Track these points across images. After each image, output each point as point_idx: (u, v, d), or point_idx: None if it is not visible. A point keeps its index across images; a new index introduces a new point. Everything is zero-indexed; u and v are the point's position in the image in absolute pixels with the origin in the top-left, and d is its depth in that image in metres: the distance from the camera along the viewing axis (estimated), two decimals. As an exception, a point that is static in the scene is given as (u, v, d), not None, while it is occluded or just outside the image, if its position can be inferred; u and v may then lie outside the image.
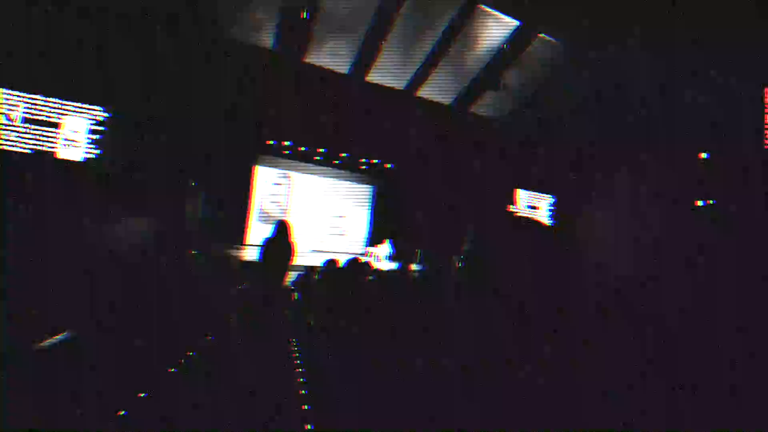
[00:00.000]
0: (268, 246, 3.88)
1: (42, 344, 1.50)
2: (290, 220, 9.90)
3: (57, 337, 1.77)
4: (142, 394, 1.91)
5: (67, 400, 1.51)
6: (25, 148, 6.73)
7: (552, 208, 12.02)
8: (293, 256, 4.02)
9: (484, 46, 8.74)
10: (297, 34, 8.06)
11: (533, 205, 11.80)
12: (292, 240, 4.08)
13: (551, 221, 11.66)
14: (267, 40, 8.16)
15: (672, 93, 8.48)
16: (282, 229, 3.90)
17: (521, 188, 11.64)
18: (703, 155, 8.52)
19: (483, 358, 0.65)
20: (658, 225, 9.17)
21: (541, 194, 11.90)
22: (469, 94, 9.87)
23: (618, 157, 10.28)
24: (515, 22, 8.34)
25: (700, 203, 8.48)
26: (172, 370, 2.56)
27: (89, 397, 1.57)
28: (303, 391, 2.32)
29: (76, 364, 1.67)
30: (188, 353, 2.90)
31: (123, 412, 1.57)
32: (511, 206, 11.42)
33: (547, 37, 8.58)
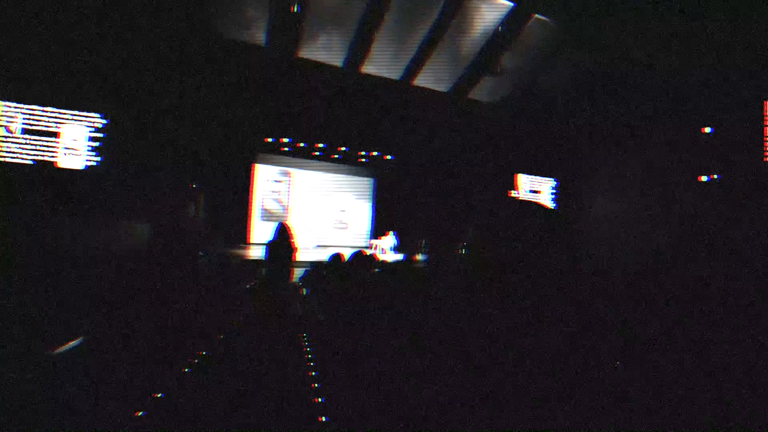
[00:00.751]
0: (271, 247, 4.11)
1: (58, 350, 1.54)
2: (289, 221, 10.01)
3: (71, 343, 1.81)
4: (159, 395, 1.95)
5: (85, 401, 1.55)
6: (26, 159, 6.76)
7: (554, 191, 11.96)
8: (295, 254, 4.27)
9: (480, 30, 8.62)
10: (289, 29, 7.98)
11: (535, 189, 11.75)
12: (292, 240, 4.32)
13: (554, 205, 11.62)
14: (259, 36, 8.09)
15: (672, 69, 8.35)
16: (282, 230, 4.13)
17: (522, 173, 11.59)
18: (707, 130, 8.42)
19: (488, 350, 0.65)
20: (661, 203, 9.11)
21: (543, 178, 11.84)
22: (466, 80, 9.77)
23: (619, 136, 10.18)
24: (510, 4, 8.21)
25: (704, 179, 8.40)
26: (186, 369, 2.60)
27: (107, 399, 1.60)
28: (316, 385, 2.35)
29: (91, 367, 1.71)
30: (200, 352, 2.94)
31: (141, 413, 1.61)
32: (512, 192, 11.38)
33: (543, 18, 8.45)
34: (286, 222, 4.28)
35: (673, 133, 8.91)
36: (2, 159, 6.60)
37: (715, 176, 8.27)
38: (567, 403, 0.59)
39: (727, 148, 8.04)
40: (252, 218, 12.17)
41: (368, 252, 4.41)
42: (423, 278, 3.05)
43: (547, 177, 11.90)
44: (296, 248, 4.32)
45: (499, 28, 8.54)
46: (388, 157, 12.89)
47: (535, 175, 11.75)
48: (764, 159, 7.40)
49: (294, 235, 4.31)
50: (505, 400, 0.59)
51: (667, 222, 8.88)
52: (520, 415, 0.58)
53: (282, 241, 4.12)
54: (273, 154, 12.21)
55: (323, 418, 1.66)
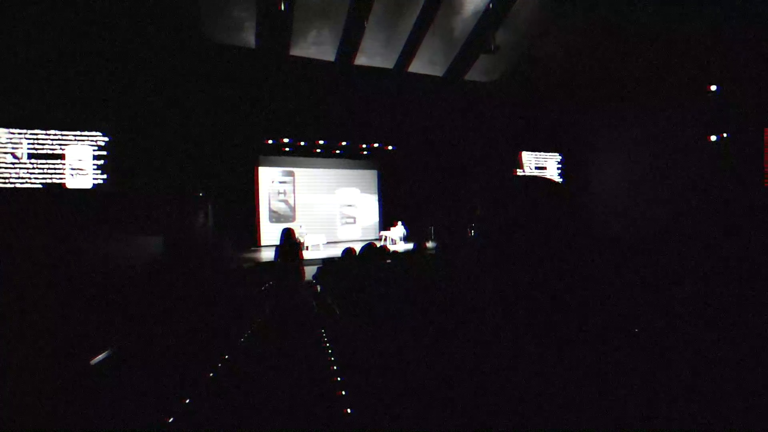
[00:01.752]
0: (280, 251, 4.49)
1: (92, 361, 1.59)
2: (295, 223, 10.25)
3: (101, 354, 1.85)
4: (187, 400, 1.99)
5: (119, 410, 1.59)
6: (35, 183, 6.88)
7: (560, 165, 11.81)
8: (301, 252, 4.74)
9: (470, 9, 8.45)
10: (278, 29, 7.92)
11: (540, 165, 11.61)
12: (298, 241, 4.81)
13: (561, 179, 11.49)
14: (250, 39, 8.05)
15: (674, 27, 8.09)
16: (288, 235, 4.55)
17: (526, 150, 11.45)
18: (713, 88, 8.18)
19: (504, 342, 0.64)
20: (668, 172, 8.93)
21: (547, 154, 11.69)
22: (461, 62, 9.62)
23: (623, 102, 9.95)
24: (499, -21, 8.03)
25: (713, 138, 8.20)
26: (211, 374, 2.66)
27: (138, 407, 1.65)
28: (338, 378, 2.38)
29: (121, 377, 1.75)
30: (223, 356, 3.00)
31: (171, 419, 1.65)
32: (517, 170, 11.27)
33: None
34: (290, 227, 4.69)
35: (679, 93, 8.68)
36: (13, 185, 6.72)
37: (725, 135, 8.07)
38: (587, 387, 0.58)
39: (736, 106, 7.81)
40: (260, 221, 12.26)
41: (378, 244, 4.45)
42: (433, 266, 3.05)
43: (552, 152, 11.74)
44: (305, 246, 4.52)
45: (490, 4, 8.36)
46: (390, 147, 12.83)
47: (539, 151, 11.60)
48: (765, 184, 7.30)
49: (300, 236, 4.56)
50: (528, 391, 0.58)
51: (677, 187, 8.70)
52: (545, 405, 0.57)
53: (289, 244, 4.47)
54: (275, 155, 12.24)
55: (348, 410, 1.68)
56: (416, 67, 9.47)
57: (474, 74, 10.00)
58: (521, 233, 0.63)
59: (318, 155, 12.74)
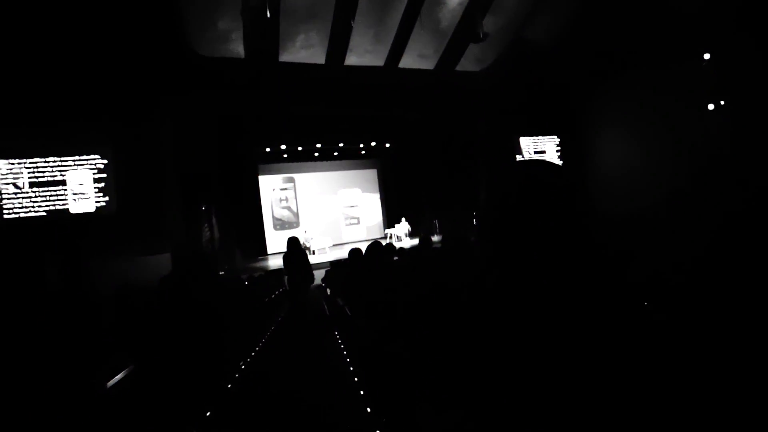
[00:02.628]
0: (288, 259, 4.64)
1: (108, 383, 1.60)
2: (298, 231, 10.34)
3: (117, 376, 1.87)
4: (207, 413, 2.01)
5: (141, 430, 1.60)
6: (39, 211, 6.92)
7: (559, 147, 11.74)
8: (308, 259, 4.87)
9: (456, -2, 8.37)
10: (266, 36, 7.89)
11: (539, 149, 11.55)
12: (304, 246, 5.26)
13: (561, 161, 11.42)
14: (239, 49, 8.04)
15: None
16: (293, 243, 4.67)
17: (524, 136, 11.38)
18: (706, 56, 8.07)
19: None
20: (671, 139, 8.83)
21: (545, 137, 11.61)
22: (451, 53, 9.55)
23: (616, 77, 9.86)
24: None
25: (711, 107, 8.10)
26: (229, 385, 2.68)
27: (160, 425, 1.66)
28: (356, 378, 2.39)
29: (140, 396, 1.77)
30: (240, 366, 3.02)
31: (194, 432, 1.66)
32: (517, 156, 11.21)
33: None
34: (295, 233, 4.81)
35: (673, 65, 8.56)
36: (17, 215, 6.77)
37: (722, 102, 7.96)
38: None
39: (730, 73, 7.70)
40: (265, 229, 12.29)
41: (384, 242, 4.45)
42: (442, 259, 3.04)
43: (550, 135, 11.66)
44: (311, 251, 4.54)
45: (476, -9, 8.29)
46: (387, 144, 12.83)
47: (537, 135, 11.53)
48: None
49: (306, 241, 4.58)
50: (541, 390, 0.57)
51: (681, 157, 8.60)
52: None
53: (295, 252, 4.60)
54: (274, 162, 12.26)
55: (368, 409, 1.69)
56: (407, 62, 9.41)
57: (465, 64, 9.93)
58: (522, 219, 0.63)
59: (317, 159, 12.75)
